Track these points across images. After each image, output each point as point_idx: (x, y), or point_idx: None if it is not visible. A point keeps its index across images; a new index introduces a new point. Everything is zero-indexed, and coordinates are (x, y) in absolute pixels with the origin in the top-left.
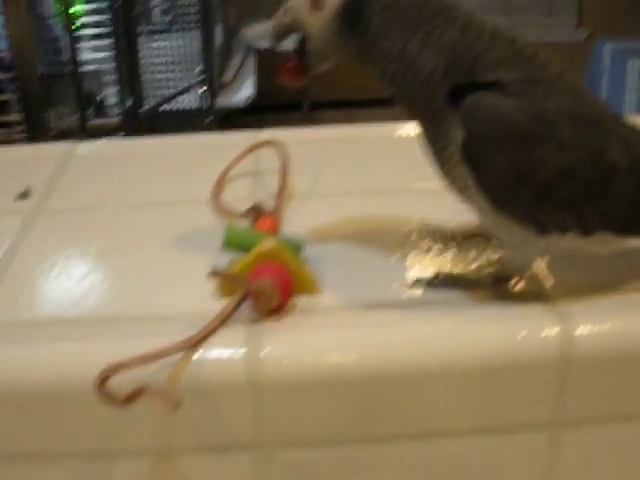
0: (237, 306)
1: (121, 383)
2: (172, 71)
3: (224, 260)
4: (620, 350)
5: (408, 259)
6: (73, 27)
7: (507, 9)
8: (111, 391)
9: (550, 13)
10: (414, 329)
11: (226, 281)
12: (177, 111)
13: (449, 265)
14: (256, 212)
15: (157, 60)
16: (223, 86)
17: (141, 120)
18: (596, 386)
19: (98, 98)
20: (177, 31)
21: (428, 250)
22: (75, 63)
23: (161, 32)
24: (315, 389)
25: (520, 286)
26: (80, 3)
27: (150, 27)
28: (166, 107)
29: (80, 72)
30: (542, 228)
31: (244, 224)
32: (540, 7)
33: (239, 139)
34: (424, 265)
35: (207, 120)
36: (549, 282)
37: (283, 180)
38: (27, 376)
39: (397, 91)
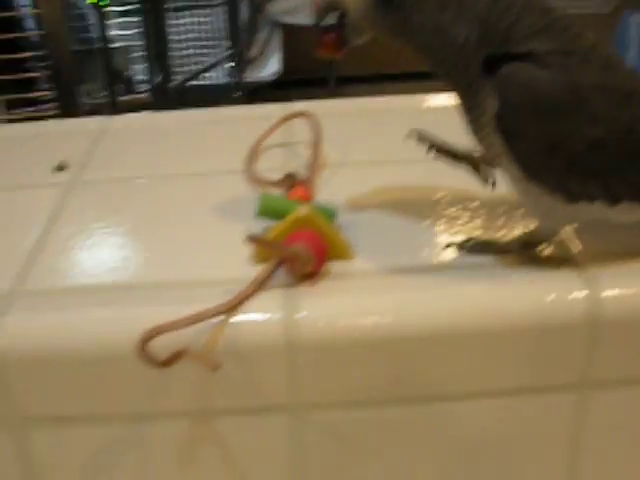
0: (273, 271)
1: (161, 347)
2: (200, 47)
3: (259, 227)
4: None
5: (438, 225)
6: (101, 4)
7: None
8: (152, 354)
9: None
10: (445, 292)
11: (262, 247)
12: (205, 86)
13: (479, 231)
14: (289, 181)
15: (185, 36)
16: (250, 61)
17: (170, 96)
18: (623, 348)
19: (127, 74)
20: (203, 7)
21: (458, 217)
22: (104, 40)
23: (188, 8)
24: (349, 351)
25: (548, 251)
26: None
27: (177, 4)
28: (194, 82)
29: (109, 49)
30: (570, 197)
31: (278, 193)
32: None
33: (269, 112)
34: (454, 231)
35: (235, 95)
36: (576, 248)
37: (315, 150)
38: (70, 341)
39: (433, 63)
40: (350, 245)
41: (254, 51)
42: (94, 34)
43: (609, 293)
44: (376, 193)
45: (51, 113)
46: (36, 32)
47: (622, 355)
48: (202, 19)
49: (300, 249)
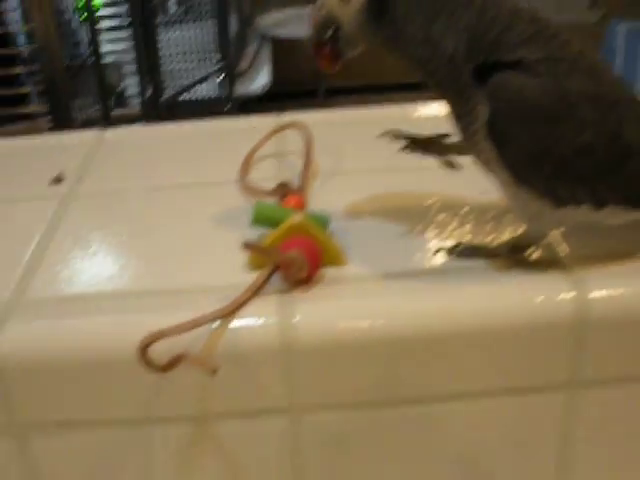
0: (268, 277)
1: (161, 352)
2: (190, 60)
3: (254, 235)
4: (632, 313)
5: (429, 231)
6: (93, 19)
7: None
8: (152, 358)
9: None
10: (437, 296)
11: (257, 253)
12: (196, 100)
13: (468, 236)
14: (283, 190)
15: (175, 50)
16: (240, 74)
17: (161, 109)
18: (610, 348)
19: (118, 89)
20: (193, 21)
21: (448, 223)
22: (97, 55)
23: (177, 22)
24: (344, 354)
25: (536, 255)
26: None
27: (166, 18)
28: (185, 96)
29: (101, 64)
30: (558, 201)
31: (272, 201)
32: None
33: (261, 123)
34: (444, 237)
35: (226, 108)
36: (564, 251)
37: (307, 159)
38: (70, 348)
39: (425, 74)
40: (343, 251)
41: (244, 64)
42: (86, 49)
43: (596, 294)
44: (367, 201)
45: (44, 127)
46: (29, 47)
47: (609, 355)
48: (191, 33)
49: (294, 255)
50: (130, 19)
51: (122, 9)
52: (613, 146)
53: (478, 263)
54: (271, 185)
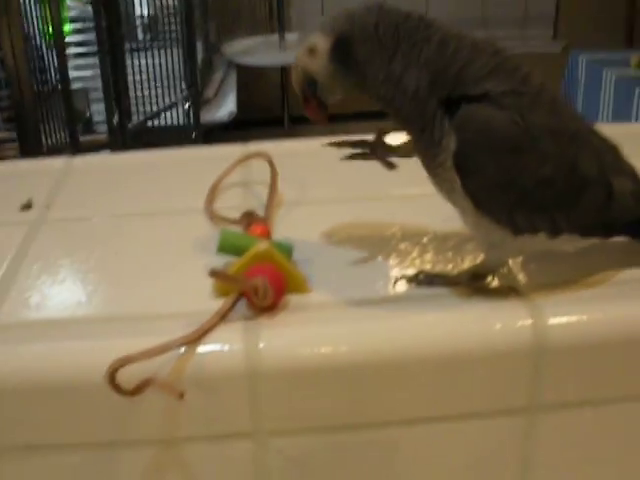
0: (234, 304)
1: (129, 376)
2: (157, 87)
3: (220, 263)
4: (588, 339)
5: (391, 260)
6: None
7: (484, 21)
8: (120, 383)
9: (526, 25)
10: (398, 322)
11: (223, 281)
12: (163, 127)
13: (429, 264)
14: (248, 218)
15: (142, 77)
16: (206, 102)
17: (128, 136)
18: (568, 373)
19: (85, 115)
20: (160, 48)
21: (409, 251)
22: (65, 81)
23: (144, 50)
24: (308, 379)
25: (496, 282)
26: (66, 23)
27: (133, 45)
28: (152, 123)
29: (69, 90)
30: (517, 230)
31: (237, 230)
32: (516, 19)
33: (227, 152)
34: (406, 265)
35: (193, 135)
36: (522, 278)
37: (272, 189)
38: (40, 372)
39: (392, 111)
40: (307, 279)
41: (210, 92)
42: (53, 74)
43: (553, 321)
44: (331, 230)
45: (12, 153)
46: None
47: (567, 379)
48: (158, 60)
49: (259, 282)
50: (97, 46)
51: (90, 36)
52: (571, 178)
53: (439, 291)
54: (237, 213)
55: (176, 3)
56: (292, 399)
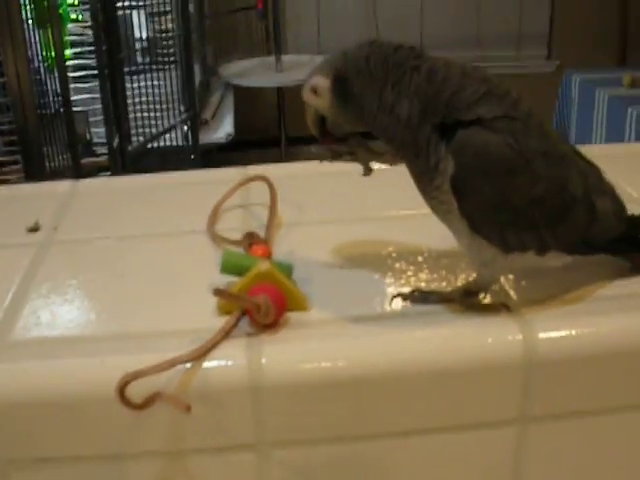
0: (237, 321)
1: (137, 392)
2: (156, 110)
3: (223, 282)
4: (576, 352)
5: (387, 278)
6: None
7: (479, 42)
8: (129, 397)
9: (520, 45)
10: (394, 338)
11: (227, 299)
12: (162, 148)
13: (424, 282)
14: (249, 239)
15: (141, 99)
16: (203, 123)
17: (128, 158)
18: (557, 385)
19: (86, 138)
20: (158, 71)
21: (405, 270)
22: (67, 104)
23: (143, 72)
24: (309, 393)
25: (488, 299)
26: (67, 47)
27: (132, 68)
28: (152, 145)
29: (71, 113)
30: (508, 247)
31: (239, 250)
32: (510, 39)
33: (226, 175)
34: (402, 283)
35: (191, 156)
36: (513, 295)
37: (272, 211)
38: (52, 387)
39: (387, 140)
40: (306, 297)
41: (207, 113)
42: (53, 98)
43: (542, 335)
44: (329, 250)
45: (14, 176)
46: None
47: (557, 391)
48: (157, 83)
49: (261, 301)
50: (97, 70)
51: (90, 60)
52: (560, 198)
53: (433, 307)
54: (238, 235)
55: (174, 26)
56: (293, 412)
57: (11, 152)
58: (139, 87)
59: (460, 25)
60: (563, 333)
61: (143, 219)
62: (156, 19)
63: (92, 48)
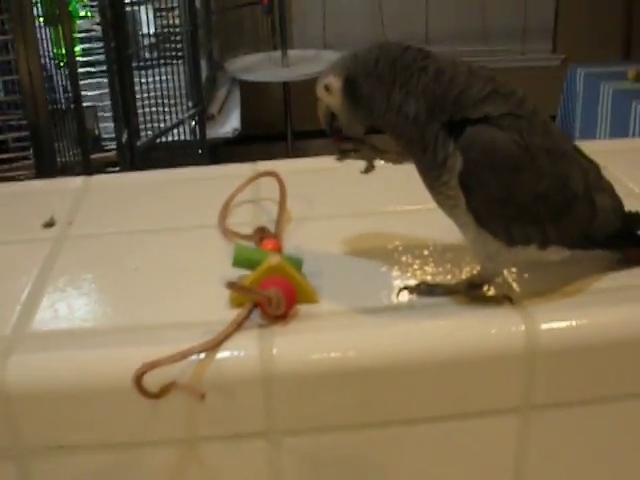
0: (249, 313)
1: (153, 382)
2: (164, 105)
3: (235, 276)
4: (577, 343)
5: (394, 271)
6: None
7: (484, 36)
8: (146, 387)
9: (526, 39)
10: (401, 329)
11: (239, 292)
12: (170, 143)
13: (429, 275)
14: (260, 234)
15: (150, 95)
16: (210, 118)
17: (137, 153)
18: (558, 374)
19: (95, 133)
20: (166, 66)
21: (411, 263)
22: (78, 100)
23: (151, 68)
24: (319, 382)
25: (492, 291)
26: (77, 44)
27: (140, 63)
28: (160, 140)
29: (81, 108)
30: (512, 241)
31: (250, 245)
32: (516, 33)
33: (235, 171)
34: (408, 276)
35: (199, 151)
36: (516, 287)
37: (282, 206)
38: (71, 377)
39: (396, 138)
40: (316, 290)
41: (214, 108)
42: (62, 94)
43: (544, 327)
44: (338, 244)
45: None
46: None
47: (558, 380)
48: (164, 78)
49: (273, 293)
50: (106, 66)
51: (98, 56)
52: (562, 193)
53: (439, 299)
54: (248, 229)
55: (181, 22)
56: (304, 401)
57: (21, 148)
58: (147, 83)
59: (465, 19)
60: (564, 324)
61: (155, 214)
62: (163, 14)
63: (101, 44)
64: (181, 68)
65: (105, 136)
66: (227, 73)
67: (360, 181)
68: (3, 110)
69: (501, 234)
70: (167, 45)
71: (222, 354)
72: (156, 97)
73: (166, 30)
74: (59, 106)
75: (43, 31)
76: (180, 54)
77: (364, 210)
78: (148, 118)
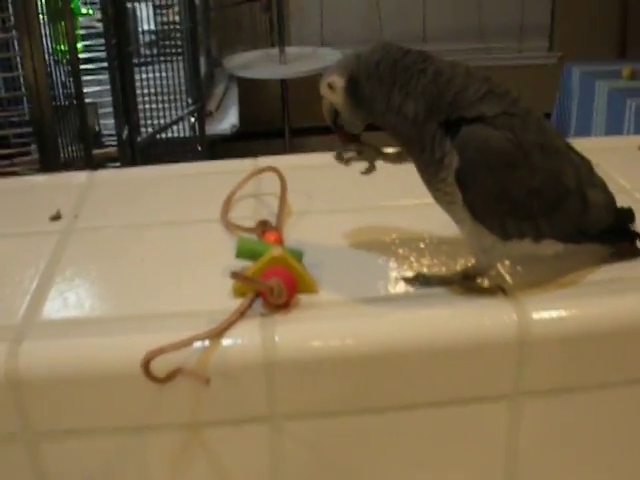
0: (252, 302)
1: (159, 368)
2: (164, 101)
3: (238, 266)
4: (567, 333)
5: (391, 263)
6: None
7: (481, 34)
8: (153, 372)
9: (522, 37)
10: (398, 318)
11: (242, 282)
12: (170, 139)
13: (426, 266)
14: (262, 227)
15: (150, 91)
16: (208, 115)
17: (137, 149)
18: (549, 363)
19: (96, 129)
20: (166, 62)
21: (408, 255)
22: (80, 97)
23: (151, 64)
24: (318, 369)
25: (486, 283)
26: (77, 41)
27: (140, 60)
28: (160, 136)
29: (83, 105)
30: (507, 235)
31: (253, 237)
32: (513, 31)
33: (236, 166)
34: (405, 267)
35: (198, 147)
36: (509, 279)
37: (283, 200)
38: (79, 364)
39: (395, 136)
40: (316, 281)
41: (212, 105)
42: (63, 90)
43: (535, 317)
44: (337, 237)
45: (30, 167)
46: (17, 93)
47: (548, 369)
48: (164, 75)
49: (275, 283)
50: (107, 62)
51: (99, 53)
52: (555, 189)
53: (435, 290)
54: (250, 223)
55: (180, 18)
56: (304, 387)
57: (22, 144)
58: (147, 79)
59: (462, 17)
60: (554, 314)
61: (159, 208)
62: (163, 11)
63: (101, 41)
64: (181, 65)
65: (105, 132)
66: (225, 70)
67: (359, 177)
68: (4, 106)
69: (496, 228)
70: (167, 42)
71: (226, 341)
72: (156, 94)
73: (166, 27)
74: (60, 102)
75: (47, 28)
76: (180, 51)
77: (362, 205)
78: (148, 114)
